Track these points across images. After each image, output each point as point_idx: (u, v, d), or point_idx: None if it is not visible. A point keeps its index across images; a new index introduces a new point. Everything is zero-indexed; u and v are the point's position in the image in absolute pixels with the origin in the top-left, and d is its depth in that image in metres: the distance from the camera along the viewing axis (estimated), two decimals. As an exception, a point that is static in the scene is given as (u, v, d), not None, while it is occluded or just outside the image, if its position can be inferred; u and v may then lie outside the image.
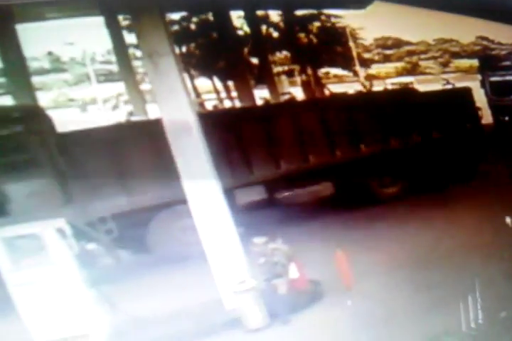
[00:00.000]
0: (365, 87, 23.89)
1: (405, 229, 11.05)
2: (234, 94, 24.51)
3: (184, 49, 26.41)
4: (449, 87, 20.73)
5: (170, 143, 8.72)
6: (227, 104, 25.60)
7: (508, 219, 9.71)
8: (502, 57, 21.65)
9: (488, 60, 19.71)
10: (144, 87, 21.68)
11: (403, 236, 10.72)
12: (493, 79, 18.52)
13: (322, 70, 25.94)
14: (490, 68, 18.68)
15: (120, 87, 22.53)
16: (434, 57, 26.10)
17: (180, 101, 8.69)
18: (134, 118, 19.86)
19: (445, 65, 25.86)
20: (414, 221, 11.53)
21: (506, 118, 18.18)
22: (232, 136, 12.18)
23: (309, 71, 24.88)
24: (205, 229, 8.68)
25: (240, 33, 26.59)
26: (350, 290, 8.63)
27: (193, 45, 26.48)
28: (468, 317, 7.08)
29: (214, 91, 26.78)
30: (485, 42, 25.89)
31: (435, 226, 11.08)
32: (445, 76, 23.92)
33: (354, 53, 25.96)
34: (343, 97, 18.22)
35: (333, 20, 28.29)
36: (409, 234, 10.82)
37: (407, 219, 11.72)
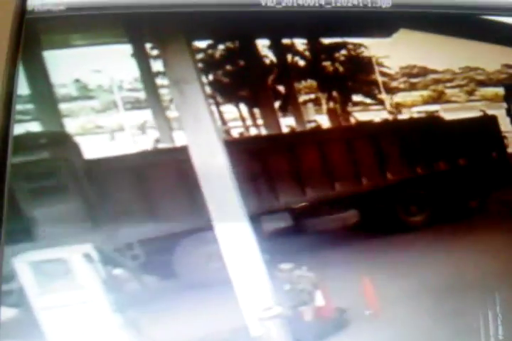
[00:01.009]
0: (391, 113, 23.94)
1: (431, 257, 11.01)
2: (260, 121, 24.68)
3: (210, 77, 26.82)
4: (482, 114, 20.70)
5: (196, 170, 8.81)
6: (253, 131, 25.76)
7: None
8: (529, 85, 21.62)
9: (514, 88, 19.68)
10: (171, 114, 21.96)
11: (429, 264, 10.66)
12: (520, 107, 18.48)
13: (349, 99, 26.11)
14: (516, 96, 18.64)
15: (147, 114, 22.88)
16: (460, 86, 26.08)
17: (206, 128, 8.82)
18: (160, 146, 20.07)
19: (471, 93, 25.87)
20: (439, 249, 11.50)
21: (533, 147, 18.11)
22: (257, 163, 12.23)
23: (335, 99, 25.06)
24: (231, 256, 8.78)
25: (266, 61, 26.95)
26: (377, 318, 8.61)
27: (219, 72, 26.88)
28: (489, 333, 7.07)
29: (240, 119, 26.97)
30: (510, 71, 25.90)
31: (461, 254, 11.06)
32: (472, 104, 23.92)
33: (380, 81, 26.13)
34: (368, 125, 18.25)
35: (358, 49, 28.58)
36: (435, 261, 10.76)
37: (433, 247, 11.70)
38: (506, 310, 7.49)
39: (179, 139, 17.99)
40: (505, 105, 19.58)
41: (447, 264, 10.69)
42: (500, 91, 22.44)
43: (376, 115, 25.87)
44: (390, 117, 26.87)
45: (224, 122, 29.29)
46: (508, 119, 19.10)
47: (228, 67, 28.67)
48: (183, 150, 9.34)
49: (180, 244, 11.53)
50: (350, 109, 27.43)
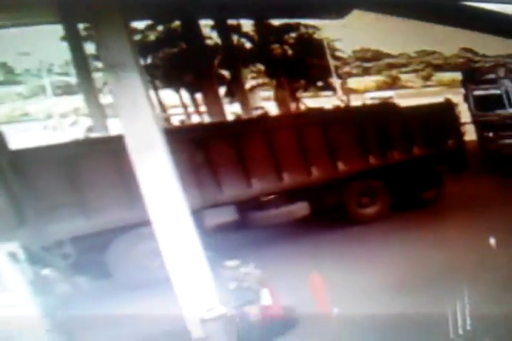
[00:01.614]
0: (342, 101, 24.17)
1: (385, 251, 11.24)
2: (202, 108, 24.59)
3: (149, 60, 26.50)
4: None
5: (133, 161, 8.70)
6: (196, 119, 25.66)
7: (491, 240, 9.97)
8: (486, 69, 22.12)
9: (471, 73, 20.12)
10: (105, 100, 21.60)
11: (383, 258, 10.88)
12: (477, 93, 18.91)
13: (298, 84, 26.18)
14: (473, 82, 19.07)
15: (79, 100, 22.43)
16: (416, 70, 26.58)
17: (144, 115, 8.66)
18: (93, 135, 19.77)
19: (427, 78, 26.34)
20: (394, 242, 11.75)
21: (491, 134, 18.55)
22: (200, 153, 12.21)
23: (284, 85, 25.10)
24: (171, 253, 8.64)
25: (210, 43, 26.80)
26: (328, 317, 8.69)
27: (158, 55, 26.57)
28: (457, 323, 7.29)
29: (181, 106, 26.83)
30: (469, 55, 26.48)
31: (417, 247, 11.30)
32: (428, 89, 24.34)
33: (331, 66, 26.31)
34: (319, 112, 18.43)
35: (309, 30, 28.64)
36: (389, 256, 10.98)
37: (388, 240, 11.94)
38: (471, 303, 7.67)
39: (114, 128, 17.83)
40: (462, 91, 20.04)
41: (403, 258, 10.88)
42: (458, 76, 22.87)
43: (327, 101, 25.99)
44: (341, 104, 27.00)
45: (164, 109, 28.82)
46: (465, 106, 19.55)
47: (169, 50, 28.23)
48: (118, 140, 8.95)
49: (115, 241, 11.30)
50: (299, 95, 27.47)
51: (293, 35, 27.55)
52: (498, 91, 18.61)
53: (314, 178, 13.49)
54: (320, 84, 25.86)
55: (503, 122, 18.16)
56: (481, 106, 18.67)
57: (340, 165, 13.89)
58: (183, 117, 25.46)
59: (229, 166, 12.46)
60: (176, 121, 24.46)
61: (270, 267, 9.09)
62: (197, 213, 9.88)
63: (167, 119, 24.39)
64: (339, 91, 25.37)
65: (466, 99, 19.17)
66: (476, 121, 18.95)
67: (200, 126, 18.57)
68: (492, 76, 18.98)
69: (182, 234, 8.76)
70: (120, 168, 10.55)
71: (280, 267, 10.03)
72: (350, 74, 26.84)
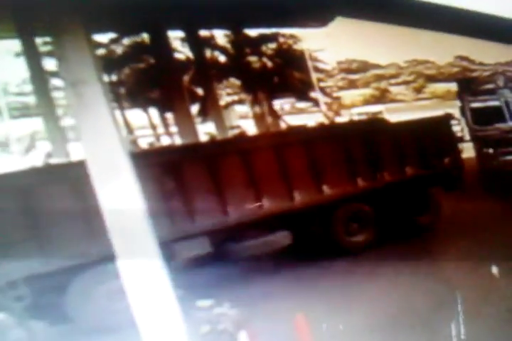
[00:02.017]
0: (327, 118, 24.20)
1: (376, 285, 11.12)
2: (173, 129, 24.53)
3: (114, 76, 26.46)
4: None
5: (96, 189, 8.60)
6: (166, 141, 25.59)
7: (494, 269, 9.90)
8: (484, 79, 22.28)
9: (468, 84, 20.22)
10: (66, 122, 21.48)
11: (374, 293, 10.76)
12: (475, 105, 18.99)
13: (278, 100, 26.20)
14: (470, 93, 19.16)
15: (38, 122, 22.29)
16: (406, 82, 26.74)
17: (108, 138, 8.58)
18: (52, 161, 19.63)
19: (419, 90, 26.49)
20: (386, 274, 11.63)
21: (491, 150, 18.60)
22: (170, 179, 12.12)
23: (262, 101, 25.09)
24: (137, 293, 8.53)
25: (181, 57, 26.83)
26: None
27: (124, 71, 26.53)
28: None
29: (150, 127, 26.76)
30: (464, 63, 26.70)
31: (412, 279, 11.20)
32: (420, 103, 24.45)
33: (314, 79, 26.38)
34: (301, 131, 18.43)
35: (289, 41, 28.77)
36: (381, 290, 10.87)
37: (379, 272, 11.81)
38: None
39: (75, 153, 17.63)
40: (458, 103, 20.08)
41: (396, 292, 10.77)
42: (453, 87, 22.99)
43: (310, 118, 26.00)
44: (326, 120, 27.04)
45: (130, 130, 28.69)
46: (462, 120, 19.57)
47: (135, 65, 28.14)
48: (80, 166, 8.98)
49: (75, 280, 11.05)
50: (279, 111, 27.44)
51: (271, 46, 27.65)
52: (497, 103, 18.71)
53: (297, 204, 13.39)
54: (302, 100, 25.92)
55: (503, 137, 18.23)
56: (479, 119, 18.75)
57: (326, 189, 13.82)
58: (151, 139, 25.40)
59: (202, 192, 12.36)
60: (143, 143, 24.36)
61: (248, 306, 8.93)
62: (166, 246, 9.81)
63: (134, 142, 24.28)
64: (323, 107, 25.42)
65: (462, 112, 19.24)
66: (474, 137, 19.00)
67: (171, 149, 18.51)
68: (490, 86, 19.10)
69: (149, 270, 8.64)
70: (81, 198, 10.45)
71: (259, 306, 9.88)
72: (335, 88, 26.93)
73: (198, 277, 11.65)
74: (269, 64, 27.32)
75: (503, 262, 10.31)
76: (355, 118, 23.87)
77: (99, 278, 10.86)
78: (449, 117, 17.10)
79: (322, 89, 26.22)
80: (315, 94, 26.09)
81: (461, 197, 16.18)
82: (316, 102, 26.09)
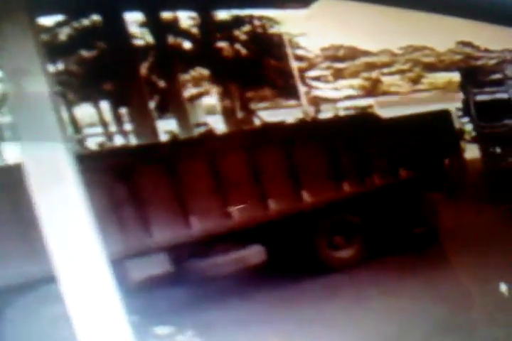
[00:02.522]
0: (309, 113, 24.21)
1: (365, 307, 11.14)
2: (128, 126, 24.41)
3: (60, 65, 26.27)
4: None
5: (34, 198, 8.56)
6: (119, 140, 25.44)
7: (502, 287, 9.95)
8: (490, 68, 22.44)
9: (472, 73, 20.34)
10: (1, 119, 21.33)
11: (362, 316, 10.79)
12: (480, 98, 19.10)
13: (252, 93, 26.16)
14: (475, 84, 19.28)
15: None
16: (401, 71, 26.86)
17: (51, 137, 8.58)
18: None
19: (416, 80, 26.64)
20: (377, 296, 11.65)
21: (498, 150, 18.71)
22: (123, 186, 12.11)
23: (234, 94, 25.03)
24: (83, 318, 8.52)
25: (139, 43, 26.72)
26: None
27: (72, 59, 26.35)
28: None
29: (100, 124, 26.60)
30: (468, 50, 26.86)
31: (406, 300, 11.22)
32: (417, 95, 24.56)
33: (294, 68, 26.39)
34: (279, 128, 18.43)
35: (265, 24, 28.78)
36: (370, 313, 10.90)
37: (368, 293, 11.82)
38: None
39: (11, 154, 17.50)
40: (461, 96, 20.19)
41: (387, 315, 10.79)
42: (455, 77, 23.12)
43: (289, 114, 26.01)
44: (307, 116, 27.10)
45: (77, 128, 28.55)
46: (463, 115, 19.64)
47: (85, 52, 27.99)
48: (16, 171, 8.88)
49: (12, 304, 10.99)
50: (253, 106, 27.44)
51: (244, 30, 27.59)
52: (505, 96, 18.82)
53: (273, 213, 13.42)
54: (280, 91, 25.90)
55: (512, 134, 18.34)
56: (486, 114, 18.86)
57: (306, 196, 13.85)
58: (102, 139, 25.21)
59: (161, 201, 12.37)
60: (92, 143, 24.17)
61: (214, 334, 8.95)
62: (118, 264, 9.79)
63: (81, 142, 24.12)
64: (304, 101, 25.43)
65: (466, 106, 19.36)
66: (479, 134, 19.10)
67: (125, 150, 18.41)
68: (498, 76, 19.22)
69: (98, 293, 8.64)
70: (18, 208, 10.40)
71: (228, 333, 9.88)
72: (318, 78, 27.02)
73: (156, 300, 11.61)
74: (242, 51, 27.29)
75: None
76: (342, 113, 23.91)
77: (41, 301, 10.80)
78: (450, 112, 17.24)
79: (303, 80, 26.27)
80: (296, 87, 26.12)
81: (464, 204, 16.24)
82: (296, 95, 26.09)
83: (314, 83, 26.38)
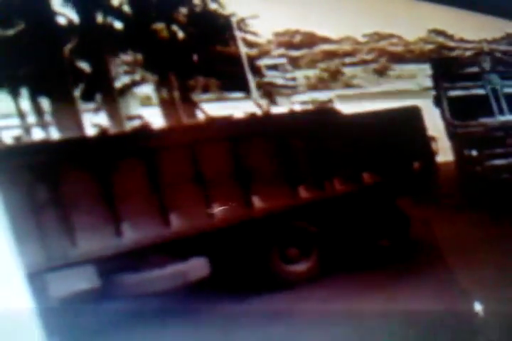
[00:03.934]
0: (260, 107, 24.19)
1: (322, 331, 11.15)
2: (49, 118, 24.15)
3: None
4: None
5: None
6: (38, 134, 25.15)
7: (476, 307, 10.08)
8: (465, 60, 22.69)
9: (445, 65, 20.54)
10: None
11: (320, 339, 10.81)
12: (453, 93, 19.30)
13: (194, 82, 26.05)
14: (448, 77, 19.48)
15: None
16: (365, 62, 27.00)
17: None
18: None
19: (381, 72, 26.81)
20: (338, 314, 11.68)
21: (474, 152, 18.91)
22: (43, 187, 12.01)
23: (173, 83, 24.89)
24: (-5, 340, 8.44)
25: (61, 21, 26.48)
26: None
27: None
28: None
29: (17, 115, 26.25)
30: (440, 39, 27.11)
31: (370, 321, 11.28)
32: (383, 88, 24.71)
33: (243, 55, 26.35)
34: (225, 124, 18.41)
35: (210, 4, 28.73)
36: (328, 336, 10.92)
37: (328, 311, 11.86)
38: None
39: None
40: (432, 91, 20.42)
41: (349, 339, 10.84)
42: (426, 69, 23.37)
43: (237, 107, 26.07)
44: (257, 110, 27.20)
45: (-12, 120, 27.89)
46: (436, 111, 19.89)
47: (0, 32, 27.75)
48: None
49: None
50: (196, 97, 27.50)
51: (185, 10, 27.49)
52: (482, 91, 19.06)
53: (217, 221, 13.42)
54: (226, 81, 25.84)
55: (489, 135, 18.53)
56: (460, 112, 19.05)
57: (257, 201, 13.89)
58: (18, 131, 24.89)
59: (87, 205, 12.29)
60: (7, 137, 23.84)
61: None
62: (37, 277, 9.73)
63: (-7, 135, 23.82)
64: (254, 93, 25.42)
65: (437, 102, 19.53)
66: (452, 134, 19.27)
67: (45, 145, 18.23)
68: (474, 69, 19.45)
69: (14, 309, 8.57)
70: None
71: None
72: (270, 67, 27.06)
73: (81, 320, 11.50)
74: (182, 34, 27.19)
75: (490, 296, 10.51)
76: (297, 108, 23.95)
77: None
78: (419, 108, 17.37)
79: (254, 69, 26.28)
80: (244, 76, 26.11)
81: (436, 212, 16.41)
82: (245, 86, 26.08)
83: (268, 73, 26.42)
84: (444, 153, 19.00)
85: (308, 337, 10.98)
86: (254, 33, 30.07)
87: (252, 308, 12.61)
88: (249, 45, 28.92)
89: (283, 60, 26.13)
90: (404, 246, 15.45)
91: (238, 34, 28.59)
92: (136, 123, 23.61)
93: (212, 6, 29.52)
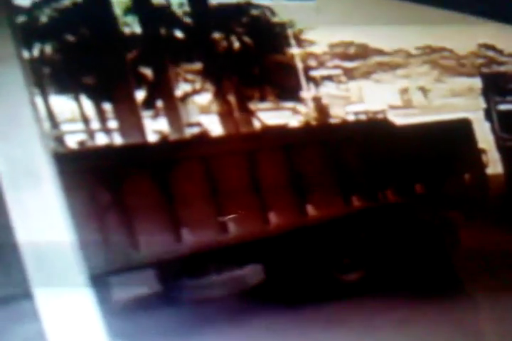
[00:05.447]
0: (315, 115, 24.13)
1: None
2: (113, 124, 24.22)
3: (36, 52, 26.11)
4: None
5: (7, 202, 8.47)
6: (102, 139, 25.26)
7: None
8: (515, 75, 22.47)
9: (495, 79, 20.34)
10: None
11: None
12: (503, 107, 19.10)
13: (251, 91, 26.03)
14: (499, 91, 19.28)
15: None
16: (417, 74, 26.79)
17: (25, 134, 8.48)
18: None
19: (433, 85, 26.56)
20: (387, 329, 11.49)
21: (523, 165, 18.69)
22: (107, 191, 12.05)
23: (231, 91, 24.91)
24: (60, 340, 8.44)
25: (126, 30, 26.60)
26: None
27: (50, 45, 26.19)
28: None
29: (81, 120, 26.36)
30: (491, 53, 26.88)
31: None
32: (435, 102, 24.54)
33: (299, 66, 26.30)
34: (281, 132, 18.37)
35: (268, 15, 28.70)
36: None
37: (378, 325, 11.67)
38: None
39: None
40: (483, 104, 20.20)
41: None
42: (476, 83, 23.14)
43: (292, 117, 26.00)
44: (312, 120, 27.10)
45: (55, 124, 28.43)
46: (487, 125, 19.68)
47: (65, 38, 27.84)
48: None
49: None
50: (253, 106, 27.43)
51: (245, 20, 27.50)
52: (533, 106, 18.84)
53: (273, 228, 13.36)
54: (283, 93, 25.79)
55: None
56: (509, 125, 18.85)
57: (311, 209, 13.79)
58: (83, 136, 25.01)
59: (149, 210, 12.29)
60: (72, 141, 23.95)
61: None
62: (100, 281, 9.72)
63: (59, 139, 23.88)
64: (310, 103, 25.36)
65: (487, 115, 19.35)
66: (502, 148, 19.08)
67: (108, 150, 18.33)
68: (523, 84, 19.25)
69: (77, 312, 8.56)
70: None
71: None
72: (325, 78, 26.96)
73: (142, 323, 11.51)
74: (240, 44, 27.20)
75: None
76: (351, 118, 23.89)
77: (13, 319, 10.73)
78: (470, 121, 17.21)
79: (309, 79, 26.21)
80: (300, 86, 26.06)
81: (483, 228, 16.08)
82: (300, 96, 26.02)
83: (324, 83, 26.32)
84: (494, 165, 18.81)
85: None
86: (310, 43, 30.04)
87: (304, 315, 12.52)
88: (305, 55, 28.86)
89: (338, 71, 26.06)
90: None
91: (295, 44, 28.56)
92: (195, 130, 23.68)
93: (269, 16, 29.57)
